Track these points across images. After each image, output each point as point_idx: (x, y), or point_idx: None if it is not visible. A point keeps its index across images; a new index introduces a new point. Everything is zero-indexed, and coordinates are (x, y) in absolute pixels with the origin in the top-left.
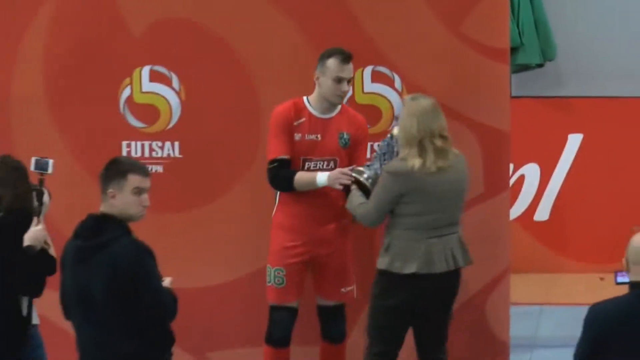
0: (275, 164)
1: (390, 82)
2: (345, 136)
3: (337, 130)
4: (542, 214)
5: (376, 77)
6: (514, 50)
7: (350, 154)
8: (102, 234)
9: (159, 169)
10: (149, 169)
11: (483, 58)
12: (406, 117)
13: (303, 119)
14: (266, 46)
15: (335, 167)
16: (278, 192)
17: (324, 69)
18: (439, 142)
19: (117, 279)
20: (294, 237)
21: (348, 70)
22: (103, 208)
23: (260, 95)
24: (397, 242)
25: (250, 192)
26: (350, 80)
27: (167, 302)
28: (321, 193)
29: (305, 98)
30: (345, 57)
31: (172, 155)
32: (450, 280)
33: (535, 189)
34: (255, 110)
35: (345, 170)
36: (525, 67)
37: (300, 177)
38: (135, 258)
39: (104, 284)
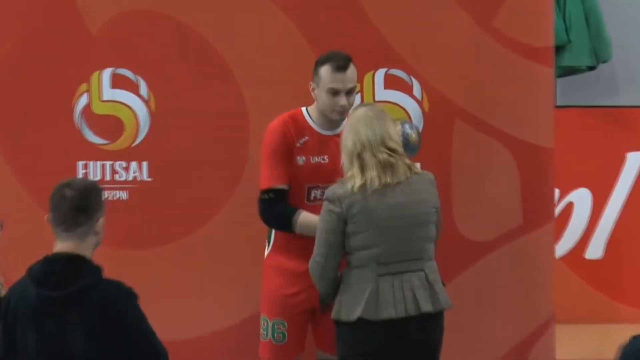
0: (269, 195)
1: (407, 89)
2: None
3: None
4: (595, 251)
5: (390, 82)
6: (559, 49)
7: None
8: (78, 280)
9: (123, 195)
10: (111, 195)
11: (520, 59)
12: (344, 131)
13: (306, 138)
14: (257, 46)
15: None
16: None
17: (317, 78)
18: (383, 155)
19: (105, 328)
20: (294, 282)
21: (346, 79)
22: (71, 246)
23: (249, 105)
24: (345, 285)
25: (235, 223)
26: (352, 91)
27: (160, 349)
28: None
29: (304, 110)
30: (341, 64)
31: (139, 178)
32: (414, 330)
33: (587, 221)
34: (242, 124)
35: None
36: (573, 71)
37: (306, 220)
38: (125, 301)
39: (90, 336)
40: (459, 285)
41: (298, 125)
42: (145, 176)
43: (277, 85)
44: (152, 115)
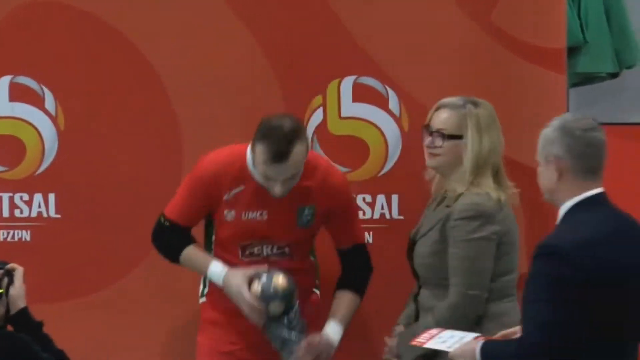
0: (167, 223)
1: (381, 101)
2: (307, 212)
3: (294, 203)
4: None
5: (361, 94)
6: (573, 51)
7: (328, 228)
8: None
9: (25, 235)
10: (9, 235)
11: (526, 63)
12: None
13: (241, 188)
14: (195, 51)
15: (292, 255)
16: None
17: (253, 153)
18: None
19: None
20: (232, 337)
21: (282, 170)
22: None
23: (183, 124)
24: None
25: (163, 270)
26: (295, 176)
27: None
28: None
29: (249, 152)
30: (278, 153)
31: (44, 214)
32: None
33: None
34: (173, 147)
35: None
36: (590, 78)
37: (190, 257)
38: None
39: None
40: None
41: (235, 172)
42: (52, 212)
43: (220, 100)
44: (61, 135)
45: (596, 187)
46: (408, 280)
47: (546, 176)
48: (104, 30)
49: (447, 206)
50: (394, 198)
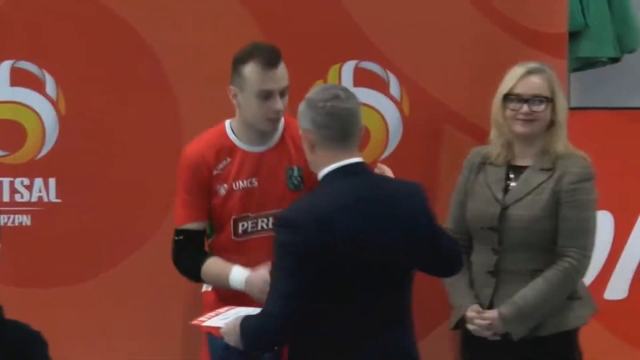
0: (178, 237)
1: (382, 86)
2: (295, 173)
3: (281, 165)
4: (617, 289)
5: (362, 78)
6: (574, 36)
7: None
8: None
9: (25, 220)
10: (9, 220)
11: (526, 48)
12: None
13: (227, 160)
14: (197, 36)
15: None
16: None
17: (240, 81)
18: None
19: None
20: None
21: (279, 77)
22: None
23: (184, 110)
24: None
25: (166, 256)
26: (286, 91)
27: None
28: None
29: (227, 124)
30: (271, 59)
31: (45, 199)
32: None
33: (607, 251)
34: (174, 132)
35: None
36: (591, 63)
37: (210, 270)
38: (30, 348)
39: None
40: None
41: (218, 147)
42: (52, 196)
43: (221, 86)
44: (62, 119)
45: (349, 157)
46: None
47: (305, 149)
48: (105, 16)
49: (547, 169)
50: None
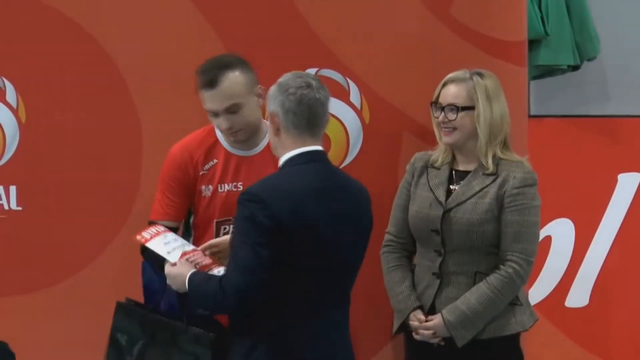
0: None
1: (342, 94)
2: None
3: (266, 170)
4: (578, 297)
5: None
6: (533, 44)
7: None
8: None
9: None
10: None
11: (485, 56)
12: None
13: (215, 161)
14: (156, 45)
15: None
16: None
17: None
18: None
19: None
20: None
21: (218, 98)
22: None
23: (143, 120)
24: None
25: (124, 264)
26: (236, 109)
27: None
28: None
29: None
30: (209, 79)
31: (5, 206)
32: None
33: (568, 259)
34: (133, 141)
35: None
36: (551, 71)
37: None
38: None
39: None
40: None
41: (207, 145)
42: (13, 204)
43: (180, 94)
44: (22, 127)
45: (313, 144)
46: None
47: (270, 131)
48: (65, 24)
49: (489, 174)
50: None
